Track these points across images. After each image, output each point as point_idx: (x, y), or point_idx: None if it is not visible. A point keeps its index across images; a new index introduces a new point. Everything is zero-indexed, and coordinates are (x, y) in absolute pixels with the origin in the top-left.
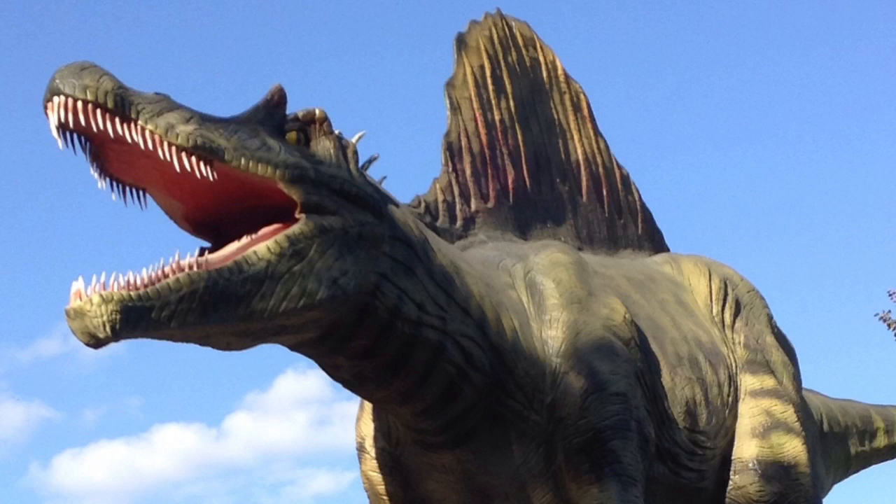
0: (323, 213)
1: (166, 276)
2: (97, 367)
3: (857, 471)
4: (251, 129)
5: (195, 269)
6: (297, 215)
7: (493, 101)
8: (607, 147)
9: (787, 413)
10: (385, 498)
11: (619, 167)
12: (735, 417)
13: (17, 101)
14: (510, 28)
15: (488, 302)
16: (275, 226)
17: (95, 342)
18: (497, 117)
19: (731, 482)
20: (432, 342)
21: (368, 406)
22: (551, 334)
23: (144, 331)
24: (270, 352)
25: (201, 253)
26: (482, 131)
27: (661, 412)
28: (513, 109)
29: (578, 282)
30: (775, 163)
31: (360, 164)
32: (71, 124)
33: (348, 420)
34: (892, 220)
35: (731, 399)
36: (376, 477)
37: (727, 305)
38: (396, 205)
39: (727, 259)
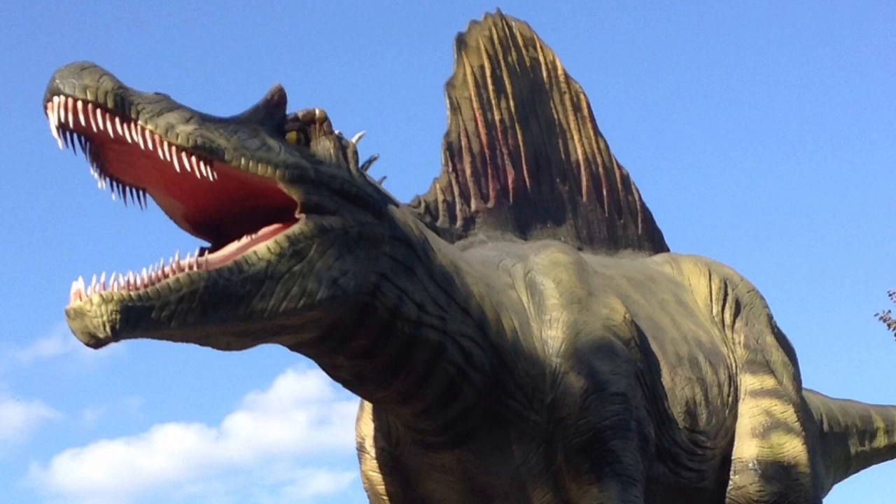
0: (323, 213)
1: (166, 276)
2: (97, 367)
3: (857, 471)
4: (251, 129)
5: (195, 269)
6: (297, 215)
7: (493, 101)
8: (607, 147)
9: (787, 413)
10: (385, 498)
11: (619, 167)
12: (735, 417)
13: (17, 101)
14: (510, 28)
15: (488, 302)
16: (275, 226)
17: (95, 342)
18: (497, 117)
19: (731, 482)
20: (432, 342)
21: (368, 406)
22: (551, 334)
23: (144, 331)
24: (270, 352)
25: (201, 253)
26: (482, 131)
27: (661, 412)
28: (513, 109)
29: (578, 282)
30: (775, 163)
31: (360, 164)
32: (71, 124)
33: (348, 420)
34: (892, 220)
35: (731, 399)
36: (376, 477)
37: (727, 305)
38: (396, 205)
39: (727, 259)
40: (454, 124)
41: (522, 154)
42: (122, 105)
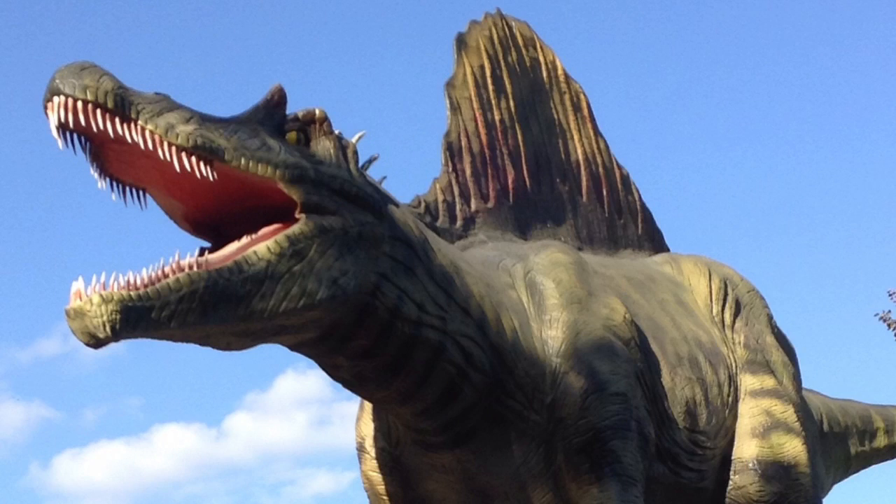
0: (323, 213)
1: (166, 276)
2: (97, 367)
3: (857, 471)
4: (251, 129)
5: (195, 269)
6: (297, 215)
7: (493, 101)
8: (607, 147)
9: (787, 413)
10: (385, 498)
11: (619, 167)
12: (735, 417)
13: (17, 101)
14: (510, 28)
15: (488, 302)
16: (275, 226)
17: (95, 342)
18: (497, 117)
19: (731, 482)
20: (432, 342)
21: (368, 406)
22: (551, 334)
23: (144, 331)
24: (270, 352)
25: (201, 253)
26: (482, 131)
27: (661, 412)
28: (513, 109)
29: (578, 282)
30: (775, 163)
31: (360, 164)
32: (71, 124)
33: (348, 420)
34: (892, 220)
35: (731, 399)
36: (376, 477)
37: (727, 305)
38: (396, 205)
39: (727, 259)
40: (454, 124)
41: (522, 154)
42: (122, 105)
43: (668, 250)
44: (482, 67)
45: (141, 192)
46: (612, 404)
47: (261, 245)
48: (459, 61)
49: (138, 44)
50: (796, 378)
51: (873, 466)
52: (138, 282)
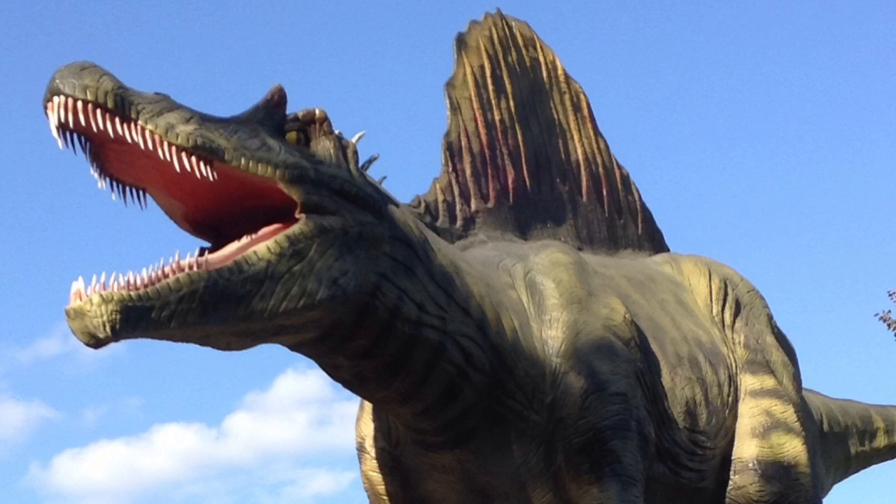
0: (323, 213)
1: (166, 276)
2: (97, 367)
3: (857, 471)
4: (251, 129)
5: (195, 269)
6: (297, 215)
7: (493, 101)
8: (607, 147)
9: (787, 413)
10: (385, 498)
11: (619, 167)
12: (735, 417)
13: (17, 101)
14: (510, 28)
15: (488, 302)
16: (275, 226)
17: (95, 342)
18: (497, 117)
19: (731, 482)
20: (432, 342)
21: (368, 406)
22: (551, 334)
23: (144, 331)
24: (270, 352)
25: (201, 253)
26: (482, 131)
27: (661, 412)
28: (513, 109)
29: (578, 282)
30: (775, 163)
31: (360, 164)
32: (71, 124)
33: (348, 420)
34: (892, 220)
35: (731, 399)
36: (376, 477)
37: (727, 305)
38: (396, 205)
39: (727, 259)
40: (454, 124)
41: (522, 154)
42: (122, 105)
43: (668, 250)
44: (482, 67)
45: (141, 192)
46: (612, 404)
47: (261, 245)
48: (459, 61)
49: (138, 44)
50: (796, 378)
51: (873, 466)
52: (138, 282)
